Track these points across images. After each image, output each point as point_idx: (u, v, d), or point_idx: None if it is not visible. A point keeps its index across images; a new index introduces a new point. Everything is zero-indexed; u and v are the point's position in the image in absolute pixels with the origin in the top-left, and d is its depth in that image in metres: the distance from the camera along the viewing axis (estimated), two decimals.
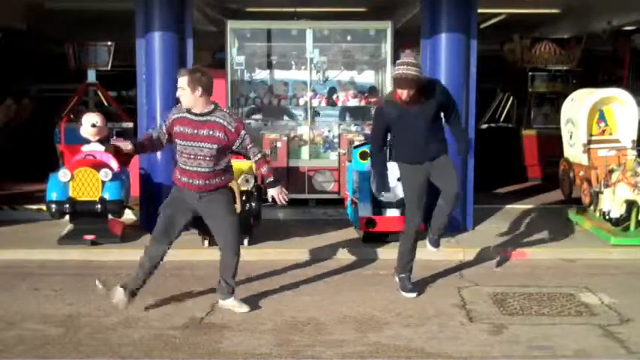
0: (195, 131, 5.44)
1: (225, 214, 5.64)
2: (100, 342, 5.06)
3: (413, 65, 5.66)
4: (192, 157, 5.48)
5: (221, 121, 5.45)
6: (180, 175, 5.59)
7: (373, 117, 6.42)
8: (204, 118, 5.45)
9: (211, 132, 5.43)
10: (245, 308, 5.71)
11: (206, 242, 7.55)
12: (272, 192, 5.79)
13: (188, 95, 5.42)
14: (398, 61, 5.78)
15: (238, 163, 8.01)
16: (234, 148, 5.56)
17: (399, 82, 5.69)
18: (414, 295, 6.07)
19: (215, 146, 5.44)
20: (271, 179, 5.75)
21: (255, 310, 5.74)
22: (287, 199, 5.84)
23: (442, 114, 6.04)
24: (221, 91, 9.58)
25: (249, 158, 5.82)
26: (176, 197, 5.68)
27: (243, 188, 7.42)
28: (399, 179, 6.22)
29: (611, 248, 7.59)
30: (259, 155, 5.69)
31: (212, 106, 5.51)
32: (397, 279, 6.22)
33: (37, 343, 5.02)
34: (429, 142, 5.95)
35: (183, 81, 5.43)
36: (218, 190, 5.60)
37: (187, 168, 5.52)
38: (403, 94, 5.73)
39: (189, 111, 5.48)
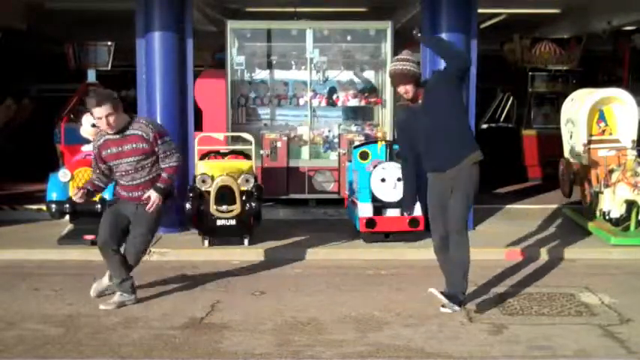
0: (120, 148, 5.66)
1: (141, 221, 5.81)
2: (100, 342, 5.06)
3: (406, 60, 5.51)
4: (124, 173, 5.73)
5: (139, 133, 5.65)
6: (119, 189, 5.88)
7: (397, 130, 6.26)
8: (123, 134, 5.66)
9: (134, 145, 5.65)
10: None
11: (206, 242, 7.56)
12: (150, 193, 5.75)
13: (118, 117, 5.59)
14: (392, 60, 5.69)
15: (238, 163, 8.03)
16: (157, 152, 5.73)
17: (393, 78, 5.54)
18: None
19: (141, 157, 5.68)
20: (159, 185, 5.75)
21: (255, 311, 5.74)
22: (153, 210, 5.75)
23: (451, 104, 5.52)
24: (221, 91, 9.60)
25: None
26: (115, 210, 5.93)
27: (243, 188, 7.42)
28: (399, 179, 6.16)
29: (611, 248, 7.59)
30: (170, 164, 5.79)
31: (128, 119, 5.71)
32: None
33: (37, 343, 5.02)
34: (443, 144, 5.47)
35: (108, 108, 5.52)
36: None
37: (123, 183, 5.79)
38: (401, 91, 5.53)
39: (107, 132, 5.66)
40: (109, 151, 5.69)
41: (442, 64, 8.00)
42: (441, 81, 5.54)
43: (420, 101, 5.58)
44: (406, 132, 5.76)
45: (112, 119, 5.55)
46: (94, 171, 5.95)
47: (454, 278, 5.63)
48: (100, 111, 5.51)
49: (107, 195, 7.56)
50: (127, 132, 5.65)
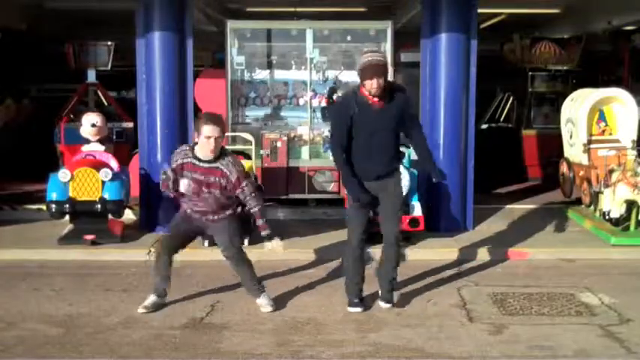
0: (205, 177, 5.55)
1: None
2: (100, 342, 5.06)
3: (379, 53, 5.45)
4: (199, 200, 5.65)
5: (225, 170, 5.52)
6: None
7: (330, 114, 5.97)
8: (211, 165, 5.54)
9: (217, 179, 5.54)
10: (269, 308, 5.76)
11: (206, 242, 7.55)
12: (267, 245, 5.69)
13: (219, 144, 5.52)
14: (363, 53, 5.50)
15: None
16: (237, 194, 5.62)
17: (368, 69, 5.28)
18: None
19: (218, 192, 5.59)
20: (266, 232, 5.66)
21: (255, 311, 5.74)
22: (282, 249, 5.75)
23: (403, 126, 5.58)
24: (221, 91, 9.60)
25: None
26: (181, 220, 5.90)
27: None
28: None
29: (611, 248, 7.59)
30: (256, 208, 5.64)
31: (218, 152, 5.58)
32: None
33: (37, 343, 5.02)
34: (388, 154, 5.52)
35: (219, 130, 5.45)
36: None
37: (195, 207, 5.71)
38: (372, 84, 5.30)
39: (196, 157, 5.54)
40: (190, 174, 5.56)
41: (442, 66, 8.17)
42: (405, 110, 5.54)
43: (378, 104, 5.41)
44: (349, 121, 5.44)
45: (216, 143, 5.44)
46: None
47: (390, 275, 5.78)
48: (218, 129, 5.42)
49: (107, 195, 7.60)
50: (215, 163, 5.52)
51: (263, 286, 5.88)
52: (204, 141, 5.44)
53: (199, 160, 5.52)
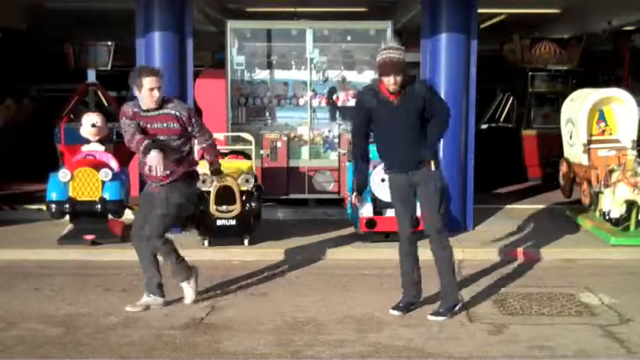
0: (150, 125, 5.59)
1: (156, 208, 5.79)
2: (100, 342, 5.06)
3: (397, 49, 5.38)
4: None
5: (173, 112, 5.61)
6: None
7: (354, 107, 5.83)
8: (157, 112, 5.59)
9: (165, 124, 5.59)
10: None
11: (206, 242, 7.56)
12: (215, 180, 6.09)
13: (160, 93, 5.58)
14: (380, 48, 5.50)
15: (238, 163, 8.03)
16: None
17: (384, 67, 5.29)
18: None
19: (173, 138, 5.63)
20: (215, 167, 6.01)
21: (255, 311, 5.74)
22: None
23: (428, 113, 5.47)
24: (221, 91, 9.59)
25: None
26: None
27: (243, 188, 7.43)
28: (383, 180, 6.01)
29: (611, 248, 7.59)
30: (206, 144, 5.85)
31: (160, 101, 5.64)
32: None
33: (37, 343, 5.02)
34: (412, 147, 5.41)
35: (159, 80, 5.55)
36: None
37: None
38: (389, 81, 5.29)
39: (140, 109, 5.59)
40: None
41: (442, 66, 8.17)
42: (426, 97, 5.43)
43: (396, 100, 5.38)
44: (368, 115, 5.49)
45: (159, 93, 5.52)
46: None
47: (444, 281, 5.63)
48: (153, 81, 5.48)
49: (107, 195, 7.60)
50: (161, 110, 5.59)
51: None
52: (147, 93, 5.49)
53: (145, 111, 5.56)
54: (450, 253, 5.59)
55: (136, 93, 5.56)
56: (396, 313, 5.59)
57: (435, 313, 5.52)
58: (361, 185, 5.74)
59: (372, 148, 5.75)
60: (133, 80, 5.52)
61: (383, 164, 5.79)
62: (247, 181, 7.47)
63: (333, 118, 9.95)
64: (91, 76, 12.11)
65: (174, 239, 7.86)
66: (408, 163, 5.47)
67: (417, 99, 5.41)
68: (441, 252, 5.57)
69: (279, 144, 9.35)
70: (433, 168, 5.49)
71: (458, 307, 5.61)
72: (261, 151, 9.29)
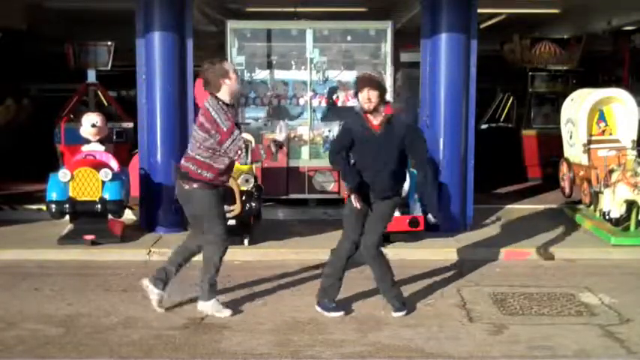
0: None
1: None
2: (100, 342, 5.06)
3: (377, 73, 5.50)
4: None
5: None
6: (220, 174, 5.56)
7: (340, 129, 5.87)
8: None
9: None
10: (227, 312, 5.61)
11: None
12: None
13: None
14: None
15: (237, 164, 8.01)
16: None
17: (360, 81, 5.41)
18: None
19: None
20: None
21: (255, 310, 5.74)
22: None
23: (407, 152, 5.55)
24: None
25: None
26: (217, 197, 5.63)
27: (243, 188, 7.42)
28: None
29: (611, 248, 7.60)
30: None
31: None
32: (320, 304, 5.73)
33: (37, 343, 5.02)
34: (387, 179, 5.47)
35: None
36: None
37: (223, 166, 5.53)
38: (364, 97, 5.34)
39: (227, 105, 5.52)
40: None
41: (442, 66, 8.17)
42: (409, 134, 5.46)
43: (379, 130, 5.42)
44: (350, 138, 5.50)
45: None
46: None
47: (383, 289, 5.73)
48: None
49: (107, 195, 7.60)
50: None
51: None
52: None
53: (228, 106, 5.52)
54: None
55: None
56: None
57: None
58: (357, 181, 5.54)
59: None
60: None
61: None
62: (247, 181, 7.47)
63: (333, 118, 9.93)
64: (91, 76, 12.11)
65: (173, 239, 7.90)
66: (378, 193, 5.51)
67: (397, 134, 5.44)
68: (372, 261, 5.66)
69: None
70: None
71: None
72: (262, 151, 9.25)
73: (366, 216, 5.59)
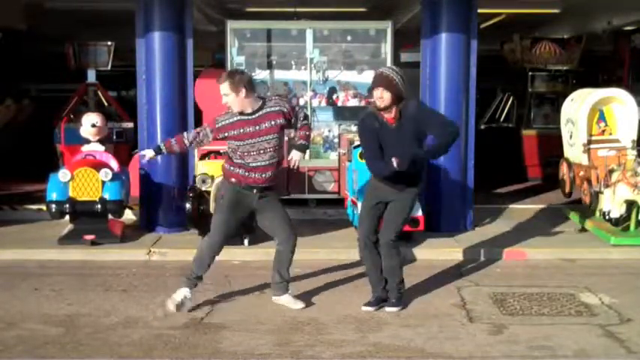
0: (257, 127, 5.50)
1: (282, 211, 5.80)
2: (100, 342, 5.06)
3: (395, 72, 5.46)
4: (261, 151, 5.53)
5: (277, 108, 5.58)
6: (248, 172, 5.57)
7: (359, 134, 5.87)
8: (259, 114, 5.53)
9: (272, 122, 5.54)
10: (300, 304, 5.77)
11: None
12: (294, 153, 5.79)
13: (233, 100, 5.47)
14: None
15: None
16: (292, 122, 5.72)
17: (375, 78, 5.48)
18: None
19: (277, 135, 5.58)
20: (303, 142, 5.79)
21: (255, 311, 5.74)
22: (297, 168, 5.84)
23: (429, 132, 5.57)
24: None
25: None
26: (235, 200, 5.66)
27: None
28: None
29: (611, 248, 7.59)
30: (306, 122, 5.80)
31: (260, 101, 5.59)
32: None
33: (37, 343, 5.02)
34: (405, 172, 5.41)
35: (225, 87, 5.45)
36: (272, 187, 5.78)
37: (257, 164, 5.55)
38: (377, 95, 5.41)
39: (241, 113, 5.52)
40: (241, 130, 5.50)
41: (442, 66, 8.17)
42: (423, 122, 5.50)
43: (394, 123, 5.48)
44: (375, 136, 5.55)
45: (228, 101, 5.48)
46: (188, 137, 5.65)
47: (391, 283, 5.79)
48: (224, 87, 5.44)
49: (107, 195, 7.60)
50: (262, 111, 5.54)
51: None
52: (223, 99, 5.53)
53: (243, 114, 5.52)
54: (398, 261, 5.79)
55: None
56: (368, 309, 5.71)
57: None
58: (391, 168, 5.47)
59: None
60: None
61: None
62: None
63: (333, 118, 9.93)
64: (91, 76, 12.12)
65: (173, 239, 7.92)
66: (400, 186, 5.58)
67: (410, 122, 5.48)
68: (390, 260, 5.72)
69: None
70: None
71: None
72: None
73: (383, 211, 5.70)
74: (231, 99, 5.47)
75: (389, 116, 5.51)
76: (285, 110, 5.63)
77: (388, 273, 5.76)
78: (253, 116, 5.52)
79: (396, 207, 5.68)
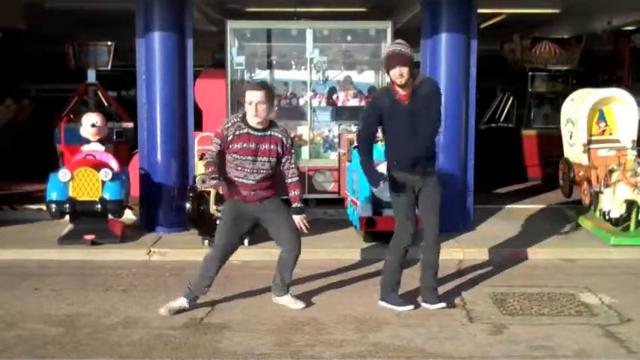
0: (259, 146, 5.55)
1: (286, 217, 5.79)
2: (100, 342, 5.06)
3: (405, 45, 5.48)
4: (254, 171, 5.58)
5: (280, 136, 5.63)
6: (237, 187, 5.61)
7: (365, 108, 5.92)
8: (264, 133, 5.58)
9: (272, 146, 5.59)
10: (300, 304, 5.80)
11: (206, 242, 7.55)
12: (296, 219, 5.79)
13: (266, 108, 5.51)
14: (390, 44, 5.60)
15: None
16: (282, 161, 5.71)
17: (389, 59, 5.44)
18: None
19: (274, 160, 5.62)
20: (298, 205, 5.80)
21: (255, 311, 5.74)
22: (308, 228, 5.82)
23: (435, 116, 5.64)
24: (221, 91, 9.59)
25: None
26: (236, 215, 5.70)
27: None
28: (384, 179, 5.97)
29: (611, 248, 7.59)
30: (296, 178, 5.79)
31: (268, 121, 5.65)
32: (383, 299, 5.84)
33: (37, 343, 5.02)
34: (421, 150, 5.52)
35: (261, 95, 5.49)
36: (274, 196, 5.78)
37: (247, 182, 5.60)
38: (396, 74, 5.39)
39: (250, 127, 5.55)
40: (245, 145, 5.53)
41: (442, 66, 8.17)
42: (434, 97, 5.56)
43: (407, 100, 5.49)
44: (379, 115, 5.59)
45: (261, 108, 5.48)
46: (212, 156, 5.56)
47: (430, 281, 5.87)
48: (261, 94, 5.46)
49: (107, 195, 7.60)
50: (268, 132, 5.60)
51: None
52: (248, 107, 5.53)
53: (252, 128, 5.55)
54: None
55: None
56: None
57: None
58: (377, 178, 5.65)
59: (376, 148, 5.84)
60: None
61: (388, 163, 5.79)
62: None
63: (333, 118, 9.94)
64: (91, 76, 12.12)
65: (173, 238, 7.92)
66: (417, 157, 5.55)
67: (424, 99, 5.51)
68: (434, 255, 5.81)
69: None
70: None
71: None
72: None
73: (414, 204, 5.72)
74: (265, 107, 5.53)
75: (405, 92, 5.49)
76: (285, 142, 5.67)
77: (429, 266, 5.81)
78: (260, 133, 5.56)
79: (429, 195, 5.68)
